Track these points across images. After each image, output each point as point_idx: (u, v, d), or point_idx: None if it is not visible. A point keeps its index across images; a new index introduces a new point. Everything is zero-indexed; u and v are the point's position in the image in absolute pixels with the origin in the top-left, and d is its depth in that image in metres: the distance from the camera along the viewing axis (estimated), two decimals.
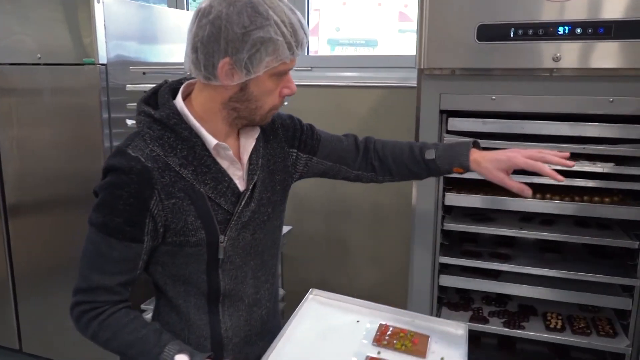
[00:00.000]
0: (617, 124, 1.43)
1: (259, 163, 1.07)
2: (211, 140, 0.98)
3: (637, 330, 1.51)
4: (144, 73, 2.09)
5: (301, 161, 1.18)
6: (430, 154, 1.17)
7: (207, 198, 0.98)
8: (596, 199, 1.62)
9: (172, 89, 1.03)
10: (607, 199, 1.61)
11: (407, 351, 1.03)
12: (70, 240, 2.21)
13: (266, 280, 1.13)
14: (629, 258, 1.57)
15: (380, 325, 1.11)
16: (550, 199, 1.63)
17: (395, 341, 1.05)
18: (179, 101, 1.00)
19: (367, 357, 1.01)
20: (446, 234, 1.71)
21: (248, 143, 1.06)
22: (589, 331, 1.58)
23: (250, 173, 1.05)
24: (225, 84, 0.94)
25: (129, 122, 2.10)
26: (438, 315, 1.73)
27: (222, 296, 1.06)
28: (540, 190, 1.65)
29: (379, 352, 1.02)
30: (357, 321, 1.13)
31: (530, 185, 1.67)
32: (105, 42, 2.10)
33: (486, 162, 1.11)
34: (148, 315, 2.32)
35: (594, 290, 1.57)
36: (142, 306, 2.25)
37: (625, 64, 1.35)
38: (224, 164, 1.01)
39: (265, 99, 0.98)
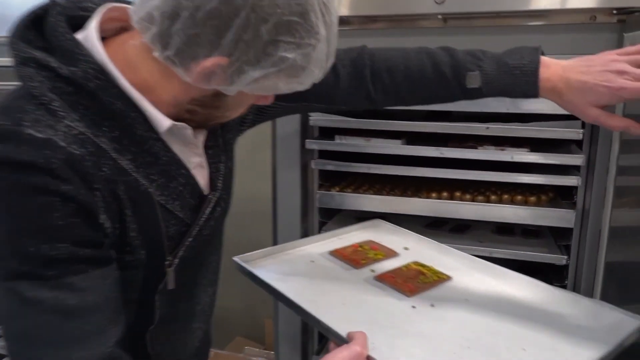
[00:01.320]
0: None
1: (218, 141, 0.75)
2: (162, 120, 0.63)
3: None
4: None
5: (251, 109, 0.80)
6: (472, 80, 0.76)
7: (156, 203, 0.65)
8: (519, 198, 1.23)
9: (71, 17, 0.63)
10: (532, 198, 1.22)
11: (383, 257, 0.98)
12: None
13: (209, 284, 0.81)
14: (556, 277, 1.17)
15: (331, 252, 1.00)
16: (460, 198, 1.24)
17: (367, 256, 0.97)
18: (95, 47, 0.61)
19: (375, 277, 0.90)
20: None
21: None
22: None
23: (213, 160, 0.73)
24: (196, 85, 0.60)
25: None
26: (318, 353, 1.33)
27: (154, 323, 0.72)
28: (449, 187, 1.26)
29: (372, 270, 0.93)
30: (312, 261, 0.97)
31: (433, 180, 1.31)
32: None
33: (574, 92, 0.71)
34: None
35: None
36: None
37: (532, 4, 0.96)
38: (176, 147, 0.66)
39: (237, 110, 0.69)
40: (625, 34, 0.92)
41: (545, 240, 1.25)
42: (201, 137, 0.71)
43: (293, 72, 0.59)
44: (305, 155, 1.22)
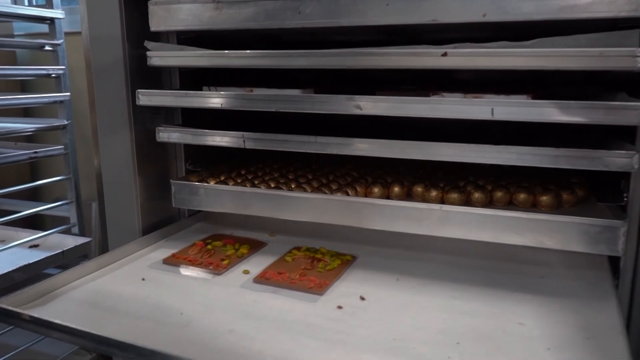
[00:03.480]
0: None
1: None
2: None
3: None
4: None
5: None
6: None
7: None
8: (521, 197, 0.69)
9: None
10: (544, 198, 0.68)
11: (249, 250, 0.73)
12: None
13: None
14: None
15: (167, 261, 0.69)
16: (422, 196, 0.71)
17: (226, 254, 0.71)
18: None
19: (255, 279, 0.63)
20: None
21: None
22: None
23: None
24: None
25: None
26: None
27: None
28: (411, 175, 0.74)
29: (246, 271, 0.66)
30: (143, 279, 0.64)
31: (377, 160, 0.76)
32: None
33: None
34: None
35: None
36: None
37: None
38: None
39: None
40: None
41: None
42: None
43: None
44: (154, 117, 0.73)
